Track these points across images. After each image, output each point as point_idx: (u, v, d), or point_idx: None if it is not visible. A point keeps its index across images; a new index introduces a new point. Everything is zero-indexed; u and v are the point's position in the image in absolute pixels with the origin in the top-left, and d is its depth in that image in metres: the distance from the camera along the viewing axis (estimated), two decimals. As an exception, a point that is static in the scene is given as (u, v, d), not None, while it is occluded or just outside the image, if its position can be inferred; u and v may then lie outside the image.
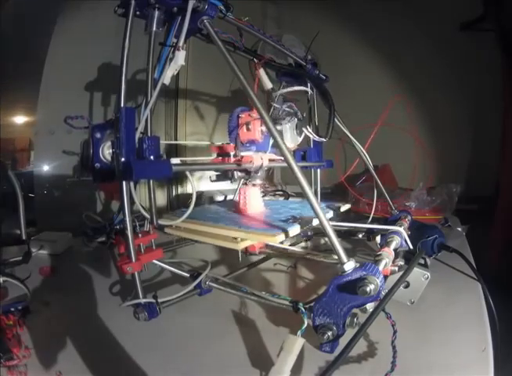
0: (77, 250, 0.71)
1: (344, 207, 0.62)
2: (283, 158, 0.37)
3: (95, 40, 0.92)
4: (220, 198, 0.95)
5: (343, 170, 0.73)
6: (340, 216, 0.61)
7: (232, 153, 0.51)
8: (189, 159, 0.52)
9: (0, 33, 0.83)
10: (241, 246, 0.44)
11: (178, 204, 1.16)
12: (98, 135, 0.40)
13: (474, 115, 1.15)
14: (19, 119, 0.96)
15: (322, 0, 1.30)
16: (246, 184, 0.55)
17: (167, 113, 1.16)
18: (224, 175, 0.53)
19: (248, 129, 0.52)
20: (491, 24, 1.03)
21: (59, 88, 0.88)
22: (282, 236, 0.43)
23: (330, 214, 0.57)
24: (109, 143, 0.39)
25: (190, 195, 0.46)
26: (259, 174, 0.54)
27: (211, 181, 0.54)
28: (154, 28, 0.41)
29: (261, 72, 0.60)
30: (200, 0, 0.40)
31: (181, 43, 0.40)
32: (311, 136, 0.59)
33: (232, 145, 0.52)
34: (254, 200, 0.55)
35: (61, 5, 0.90)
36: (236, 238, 0.44)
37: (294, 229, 0.45)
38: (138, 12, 0.40)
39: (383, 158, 1.08)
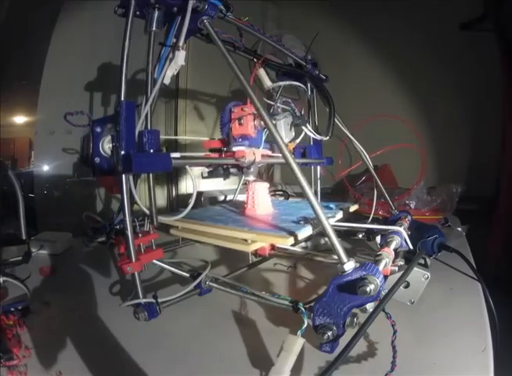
0: (77, 250, 0.71)
1: (353, 208, 0.61)
2: (281, 155, 0.37)
3: (95, 40, 0.92)
4: (220, 198, 0.95)
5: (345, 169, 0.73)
6: (348, 216, 0.61)
7: (224, 149, 0.51)
8: (188, 154, 0.51)
9: (0, 33, 0.83)
10: (251, 248, 0.43)
11: (178, 204, 1.17)
12: (98, 130, 0.40)
13: (474, 115, 1.15)
14: (19, 119, 0.96)
15: (322, 0, 1.30)
16: (253, 182, 0.54)
17: (167, 114, 1.16)
18: (216, 172, 0.52)
19: (240, 124, 0.51)
20: (491, 24, 1.03)
21: (59, 88, 0.88)
22: (294, 238, 0.42)
23: (340, 214, 0.55)
24: (109, 137, 0.39)
25: (190, 195, 0.45)
26: (251, 170, 0.52)
27: (203, 177, 0.53)
28: (154, 28, 0.41)
29: (262, 72, 0.60)
30: (200, 0, 0.40)
31: (181, 43, 0.40)
32: (311, 135, 0.59)
33: (224, 140, 0.52)
34: (263, 201, 0.54)
35: (61, 5, 0.90)
36: (246, 240, 0.43)
37: (307, 231, 0.44)
38: (138, 12, 0.40)
39: (383, 158, 1.08)
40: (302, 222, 0.46)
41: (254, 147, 0.52)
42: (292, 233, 0.42)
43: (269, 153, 0.55)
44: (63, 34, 0.90)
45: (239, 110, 0.51)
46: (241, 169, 0.53)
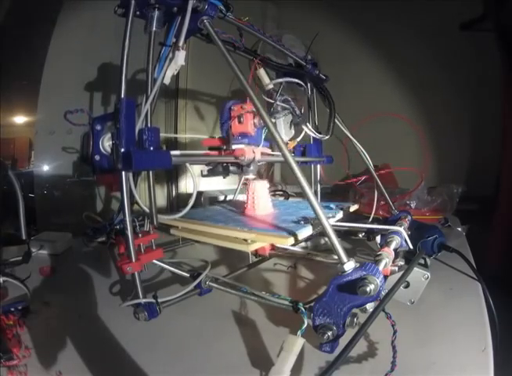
0: (77, 250, 0.71)
1: (353, 208, 0.61)
2: (280, 153, 0.37)
3: (95, 40, 0.92)
4: (220, 198, 0.95)
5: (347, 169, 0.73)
6: (348, 216, 0.60)
7: (223, 147, 0.50)
8: (188, 152, 0.51)
9: (0, 33, 0.83)
10: (251, 248, 0.43)
11: (178, 203, 1.17)
12: (98, 127, 0.40)
13: (474, 115, 1.15)
14: (19, 119, 0.96)
15: (322, 0, 1.30)
16: (253, 181, 0.54)
17: (167, 114, 1.16)
18: (216, 170, 0.52)
19: (240, 122, 0.51)
20: (491, 24, 1.03)
21: (59, 88, 0.88)
22: (294, 238, 0.41)
23: (340, 214, 0.55)
24: (109, 135, 0.39)
25: (190, 195, 0.45)
26: (251, 168, 0.52)
27: (202, 176, 0.52)
28: (154, 28, 0.40)
29: (262, 71, 0.60)
30: (200, 0, 0.40)
31: (180, 43, 0.40)
32: (311, 134, 0.59)
33: (223, 138, 0.52)
34: (263, 200, 0.54)
35: (61, 5, 0.90)
36: (246, 240, 0.43)
37: (307, 231, 0.44)
38: (138, 12, 0.40)
39: (383, 158, 1.08)
40: (302, 222, 0.46)
41: (254, 145, 0.52)
42: (292, 233, 0.41)
43: (269, 151, 0.54)
44: (63, 34, 0.90)
45: (239, 108, 0.51)
46: (241, 167, 0.53)
